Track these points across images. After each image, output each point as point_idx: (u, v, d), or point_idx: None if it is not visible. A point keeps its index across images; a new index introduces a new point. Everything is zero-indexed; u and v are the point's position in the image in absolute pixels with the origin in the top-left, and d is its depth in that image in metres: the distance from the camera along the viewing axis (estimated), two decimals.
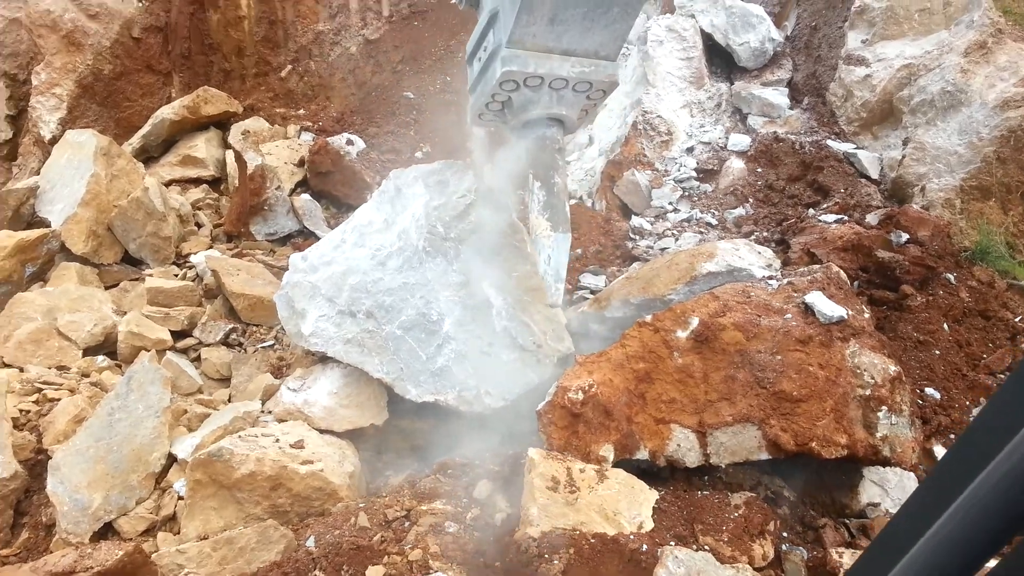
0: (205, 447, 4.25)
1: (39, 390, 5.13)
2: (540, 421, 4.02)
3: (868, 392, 3.90)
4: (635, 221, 7.05)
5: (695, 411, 3.89)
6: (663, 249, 6.61)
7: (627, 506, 3.54)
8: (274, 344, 5.95)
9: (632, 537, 3.32)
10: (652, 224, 6.98)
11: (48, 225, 6.88)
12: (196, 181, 8.51)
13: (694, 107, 8.03)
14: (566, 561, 3.21)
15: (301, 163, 8.33)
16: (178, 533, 4.00)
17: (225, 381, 5.65)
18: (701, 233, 6.64)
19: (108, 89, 10.08)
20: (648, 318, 4.25)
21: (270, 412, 4.87)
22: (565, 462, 3.74)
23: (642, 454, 3.90)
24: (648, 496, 3.63)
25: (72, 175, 7.33)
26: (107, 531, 4.10)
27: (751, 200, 6.97)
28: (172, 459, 4.46)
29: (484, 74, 4.88)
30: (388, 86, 9.85)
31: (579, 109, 5.04)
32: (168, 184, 8.14)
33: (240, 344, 5.98)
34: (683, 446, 3.85)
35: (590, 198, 7.43)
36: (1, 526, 4.31)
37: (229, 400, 5.31)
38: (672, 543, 3.38)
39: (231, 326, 6.00)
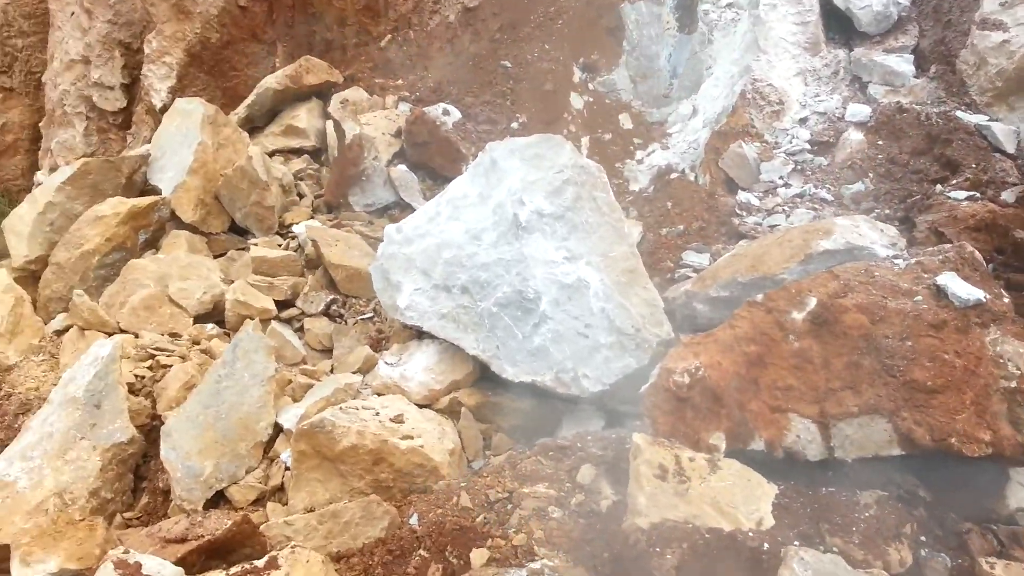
0: (308, 418, 4.30)
1: (152, 356, 5.31)
2: (644, 404, 3.87)
3: (1013, 384, 3.57)
4: (742, 196, 6.70)
5: (815, 400, 3.65)
6: (773, 226, 6.26)
7: (743, 500, 3.36)
8: (373, 316, 5.98)
9: (751, 534, 3.14)
10: (760, 199, 6.63)
11: (159, 193, 7.10)
12: (298, 151, 8.62)
13: (808, 75, 7.56)
14: (679, 556, 3.07)
15: (398, 134, 8.31)
16: (286, 504, 4.07)
17: (327, 352, 5.71)
18: (815, 209, 6.26)
19: (215, 58, 10.30)
20: (759, 297, 4.01)
21: (368, 385, 4.88)
22: (673, 449, 3.59)
23: (757, 444, 3.70)
24: (767, 490, 3.44)
25: (181, 143, 7.53)
26: (219, 499, 4.21)
27: (871, 175, 6.51)
28: (278, 429, 4.54)
29: None
30: (485, 55, 9.69)
31: None
32: (271, 154, 8.27)
33: (340, 315, 6.03)
34: (803, 437, 3.63)
35: (693, 172, 7.12)
36: (123, 490, 4.49)
37: (331, 371, 5.36)
38: (796, 543, 3.18)
39: (332, 297, 6.06)
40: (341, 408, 4.15)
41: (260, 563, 3.16)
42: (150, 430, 4.75)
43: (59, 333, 6.21)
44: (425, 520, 3.70)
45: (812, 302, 3.81)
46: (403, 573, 3.44)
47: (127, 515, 4.30)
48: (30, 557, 3.23)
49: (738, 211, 6.58)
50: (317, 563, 3.16)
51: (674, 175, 7.06)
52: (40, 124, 11.51)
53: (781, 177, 6.74)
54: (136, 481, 4.58)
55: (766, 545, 3.09)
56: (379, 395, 4.59)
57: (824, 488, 3.63)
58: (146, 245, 6.93)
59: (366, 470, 3.98)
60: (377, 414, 4.19)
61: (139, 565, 2.75)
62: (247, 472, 4.33)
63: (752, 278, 4.73)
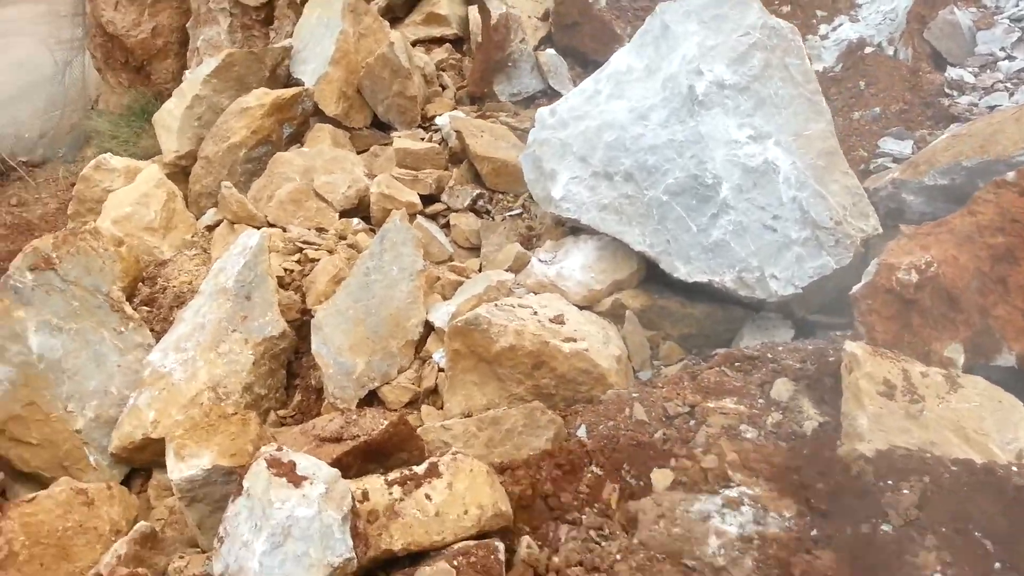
0: (461, 315, 3.97)
1: (300, 250, 5.13)
2: (857, 308, 3.24)
3: None
4: (953, 72, 5.65)
5: None
6: (992, 107, 5.24)
7: (996, 427, 2.72)
8: (522, 213, 5.54)
9: (1015, 469, 2.52)
10: (977, 76, 5.57)
11: (302, 85, 6.86)
12: (439, 41, 8.11)
13: None
14: (920, 492, 2.50)
15: (545, 16, 7.63)
16: (441, 408, 3.79)
17: (474, 250, 5.35)
18: None
19: None
20: (1010, 176, 3.21)
21: (521, 285, 4.47)
22: (899, 362, 2.96)
23: (1006, 358, 3.01)
24: None
25: (323, 34, 7.25)
26: (372, 399, 3.99)
27: None
28: (429, 328, 4.24)
29: None
30: None
31: None
32: (413, 44, 7.84)
33: (487, 212, 5.64)
34: None
35: (892, 45, 6.07)
36: (276, 387, 4.37)
37: (480, 270, 5.00)
38: None
39: (478, 191, 5.66)
40: (496, 305, 3.76)
41: (420, 470, 2.86)
42: (300, 325, 4.58)
43: (210, 228, 6.19)
44: (595, 433, 3.30)
45: None
46: (575, 491, 3.07)
47: (281, 412, 4.18)
48: (184, 451, 3.09)
49: (947, 90, 5.57)
50: (482, 473, 2.83)
51: (868, 49, 6.05)
52: (187, 25, 11.62)
53: (1003, 48, 5.64)
54: (289, 378, 4.45)
55: None
56: (535, 294, 4.17)
57: None
58: (291, 139, 6.76)
59: (526, 374, 3.61)
60: (535, 313, 3.78)
61: (293, 464, 2.50)
62: (399, 372, 4.07)
63: (982, 161, 3.88)
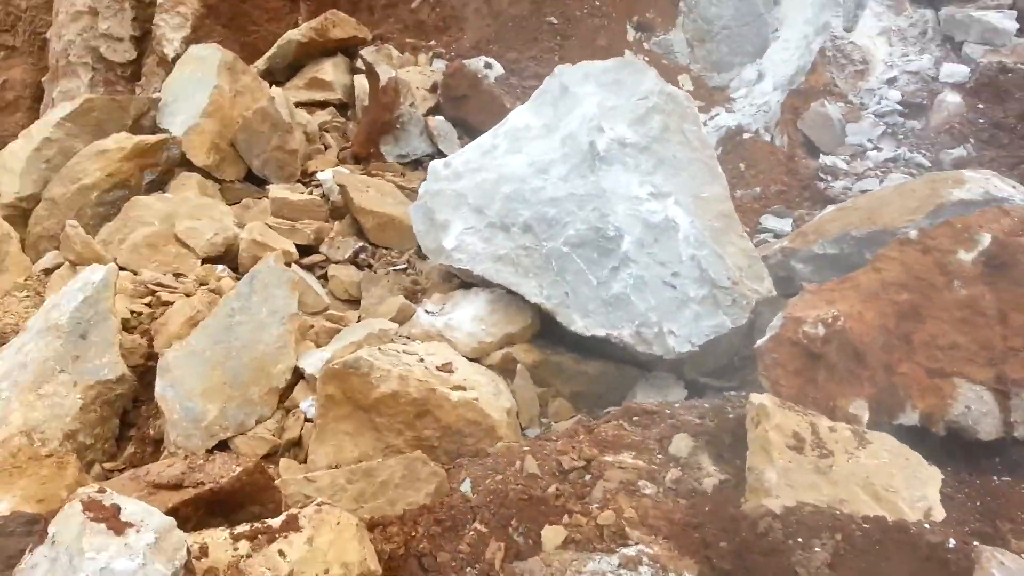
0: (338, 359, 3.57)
1: (153, 292, 4.57)
2: (762, 361, 3.11)
3: None
4: (826, 160, 5.98)
5: (989, 362, 2.89)
6: (864, 191, 5.53)
7: (905, 484, 2.59)
8: (407, 268, 5.23)
9: (927, 527, 2.37)
10: (848, 163, 5.92)
11: None
12: (323, 104, 7.88)
13: (893, 35, 6.83)
14: (832, 549, 2.30)
15: (434, 89, 7.58)
16: (304, 461, 3.31)
17: (353, 303, 4.95)
18: (912, 175, 5.52)
19: (233, 11, 9.63)
20: (913, 234, 3.25)
21: (404, 337, 4.12)
22: (807, 416, 2.82)
23: (908, 417, 2.94)
24: (931, 473, 2.68)
25: (195, 88, 6.84)
26: (222, 451, 3.45)
27: (972, 140, 5.78)
28: (298, 376, 3.78)
29: None
30: (527, 15, 8.99)
31: None
32: (296, 106, 7.56)
33: (370, 266, 5.29)
34: (974, 408, 2.86)
35: (767, 132, 6.38)
36: (105, 436, 3.73)
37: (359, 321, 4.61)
38: (974, 543, 2.40)
39: (360, 244, 5.32)
40: (380, 349, 3.39)
41: (275, 523, 2.40)
42: (144, 372, 4.00)
43: (48, 271, 5.49)
44: (481, 488, 2.94)
45: (986, 240, 3.06)
46: (454, 550, 2.68)
47: (108, 465, 3.54)
48: None
49: (822, 175, 5.88)
50: (350, 527, 2.40)
51: (746, 135, 6.32)
52: (43, 80, 10.87)
53: (870, 140, 6.03)
54: (123, 429, 3.83)
55: (952, 542, 2.31)
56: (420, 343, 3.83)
57: (994, 477, 2.85)
58: (152, 187, 6.19)
59: (407, 424, 3.22)
60: (422, 360, 3.44)
61: (117, 508, 2.00)
62: (258, 422, 3.57)
63: (871, 231, 3.98)
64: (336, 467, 3.15)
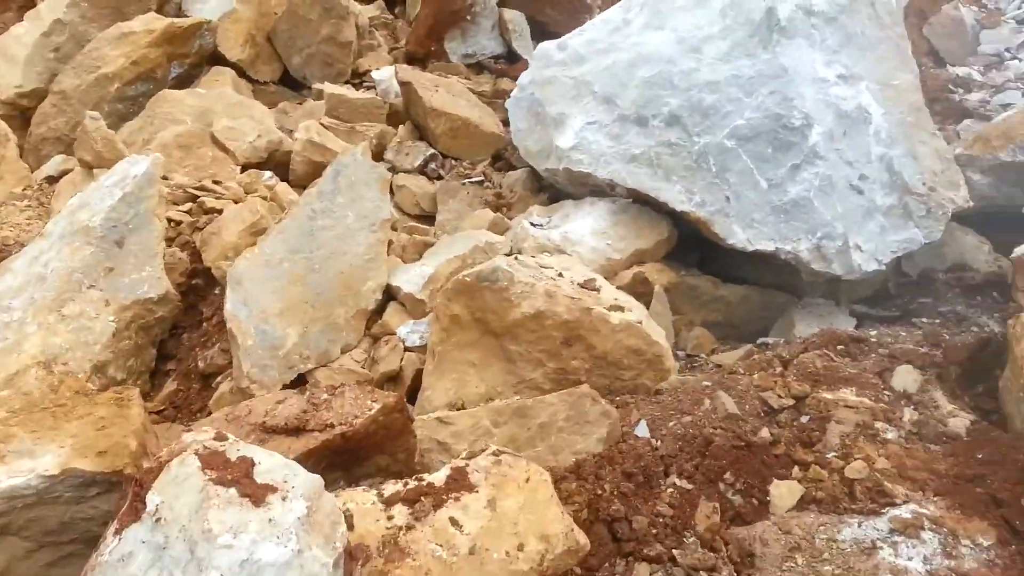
0: (437, 281, 2.85)
1: (194, 198, 3.81)
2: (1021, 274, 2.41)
3: None
4: (957, 70, 5.21)
5: None
6: (1005, 105, 4.79)
7: None
8: (483, 181, 4.48)
9: None
10: (983, 74, 5.15)
11: None
12: None
13: None
14: None
15: None
16: (409, 401, 2.59)
17: (424, 218, 4.22)
18: None
19: None
20: None
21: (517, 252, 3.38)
22: None
23: None
24: None
25: None
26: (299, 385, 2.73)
27: None
28: (387, 297, 3.06)
29: None
30: None
31: None
32: None
33: (439, 177, 4.53)
34: None
35: None
36: (139, 370, 2.99)
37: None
38: None
39: (431, 151, 4.55)
40: (518, 259, 2.66)
41: (436, 478, 1.70)
42: (187, 291, 3.27)
43: (52, 180, 4.72)
44: (664, 432, 2.24)
45: None
46: (652, 513, 2.00)
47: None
48: (6, 446, 1.75)
49: (952, 87, 5.10)
50: (544, 485, 1.71)
51: None
52: None
53: (1009, 49, 5.23)
54: (159, 362, 3.11)
55: None
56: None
57: None
58: (179, 82, 5.38)
59: (550, 353, 2.50)
60: (559, 275, 2.71)
61: (250, 464, 1.29)
62: (343, 351, 2.86)
63: None
64: (460, 407, 2.44)
